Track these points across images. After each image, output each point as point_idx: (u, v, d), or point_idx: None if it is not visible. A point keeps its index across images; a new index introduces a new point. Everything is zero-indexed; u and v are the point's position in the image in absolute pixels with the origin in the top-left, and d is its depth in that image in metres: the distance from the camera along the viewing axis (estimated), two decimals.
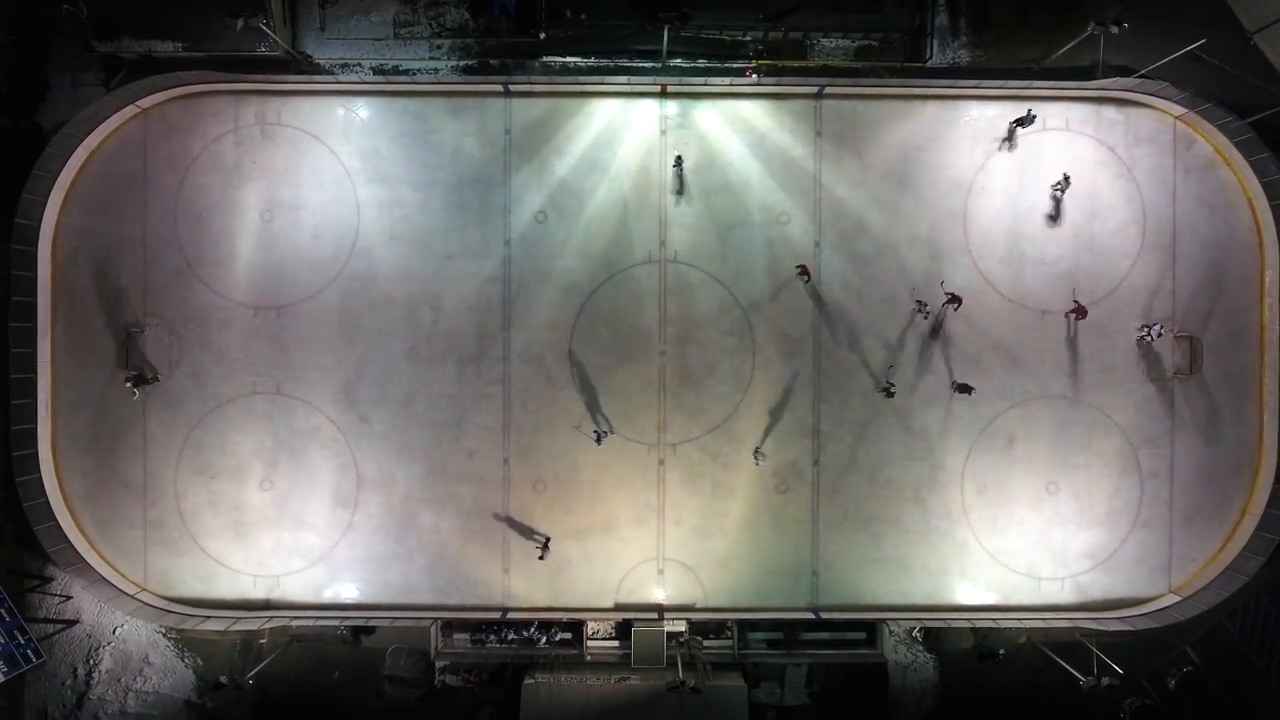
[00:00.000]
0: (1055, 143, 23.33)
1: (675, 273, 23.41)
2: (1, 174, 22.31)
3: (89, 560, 23.13)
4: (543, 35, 23.39)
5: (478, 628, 23.54)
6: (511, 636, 23.44)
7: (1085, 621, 22.92)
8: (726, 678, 22.99)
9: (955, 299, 22.48)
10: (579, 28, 23.52)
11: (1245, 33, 22.86)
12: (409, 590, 23.50)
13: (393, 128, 23.38)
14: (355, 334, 23.29)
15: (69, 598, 23.51)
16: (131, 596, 23.09)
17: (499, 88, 23.25)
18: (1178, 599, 23.19)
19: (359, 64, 23.69)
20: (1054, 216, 23.20)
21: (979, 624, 23.27)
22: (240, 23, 20.94)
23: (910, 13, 23.70)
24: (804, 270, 22.89)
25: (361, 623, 23.07)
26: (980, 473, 23.45)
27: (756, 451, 22.98)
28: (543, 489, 23.47)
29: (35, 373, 22.80)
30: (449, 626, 23.56)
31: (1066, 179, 22.55)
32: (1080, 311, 22.57)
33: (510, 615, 23.31)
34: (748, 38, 23.77)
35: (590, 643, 23.49)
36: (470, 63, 23.80)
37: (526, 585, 23.51)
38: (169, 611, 23.13)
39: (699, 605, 23.54)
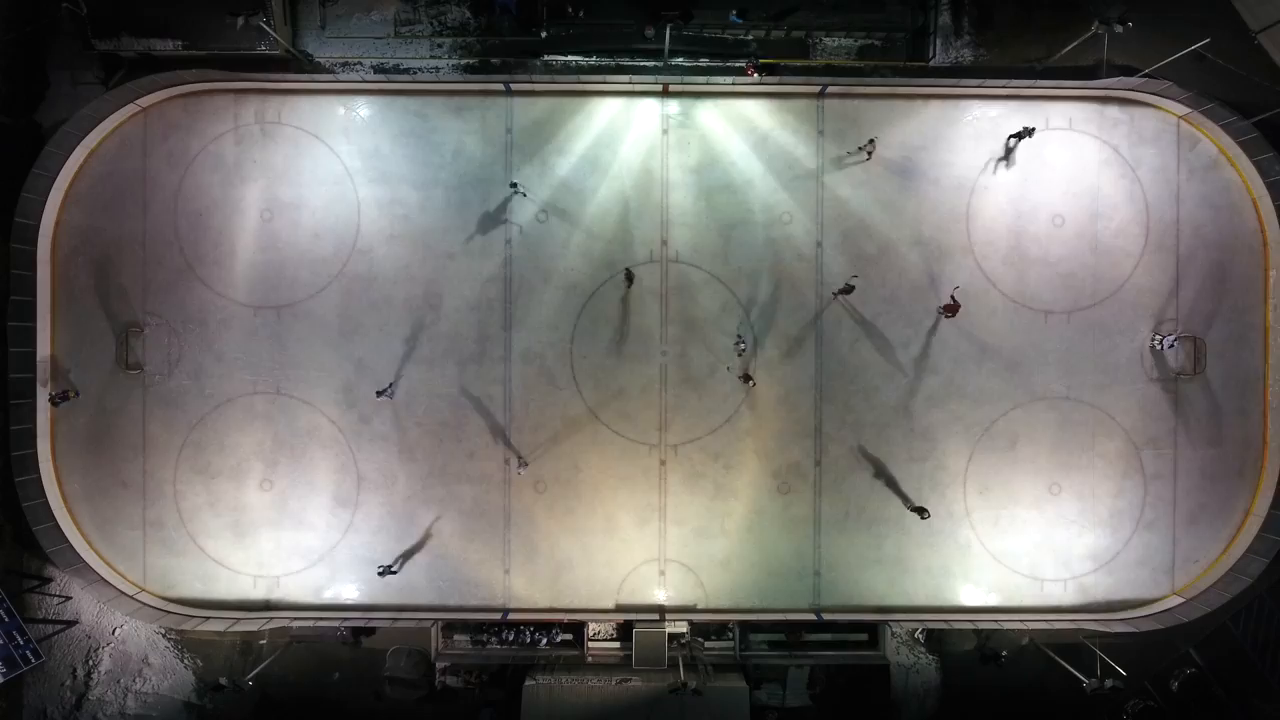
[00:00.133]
0: (1058, 143, 23.24)
1: (677, 272, 23.33)
2: (1, 172, 22.23)
3: (88, 560, 23.07)
4: (544, 34, 23.38)
5: (478, 629, 23.48)
6: (512, 637, 23.36)
7: (1088, 623, 22.85)
8: (728, 679, 22.90)
9: (952, 308, 22.37)
10: (580, 26, 23.48)
11: (1249, 32, 22.80)
12: (409, 591, 23.41)
13: (393, 127, 23.31)
14: (355, 334, 23.21)
15: (68, 598, 23.45)
16: (131, 597, 23.02)
17: (500, 87, 23.17)
18: (1181, 600, 23.11)
19: (360, 62, 23.62)
20: (1006, 161, 23.00)
21: (981, 626, 23.19)
22: (240, 21, 20.92)
23: (913, 11, 23.65)
24: (847, 289, 22.76)
25: (362, 623, 22.99)
26: (983, 474, 23.37)
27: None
28: (544, 489, 23.39)
29: (34, 372, 22.72)
30: (449, 627, 23.51)
31: (1029, 131, 22.32)
32: (952, 309, 22.40)
33: (511, 616, 23.23)
34: (750, 37, 23.71)
35: (591, 644, 23.42)
36: (471, 61, 23.72)
37: (527, 586, 23.43)
38: (168, 612, 23.06)
39: (700, 606, 23.47)
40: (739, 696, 22.61)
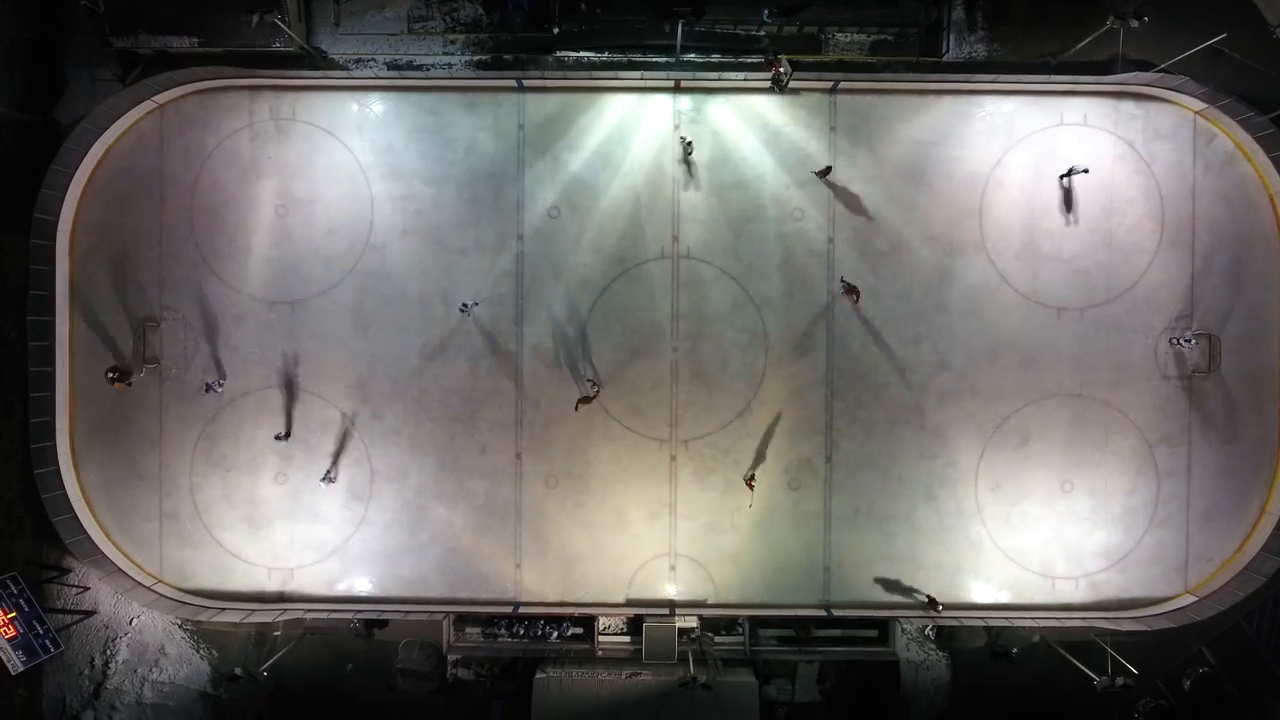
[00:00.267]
0: (1073, 138, 23.10)
1: (688, 268, 23.36)
2: (20, 169, 22.51)
3: (106, 552, 23.38)
4: (556, 30, 23.41)
5: (490, 622, 23.63)
6: (523, 631, 23.51)
7: (1100, 621, 22.76)
8: (738, 674, 22.97)
9: (853, 291, 22.35)
10: (593, 22, 23.50)
11: (1268, 27, 22.54)
12: (421, 584, 23.61)
13: (406, 123, 23.43)
14: (369, 329, 23.38)
15: (86, 589, 23.78)
16: (148, 588, 23.32)
17: (513, 83, 23.24)
18: (1194, 599, 22.98)
19: (373, 59, 23.74)
20: (1068, 206, 22.95)
21: (992, 623, 23.14)
22: (255, 18, 21.11)
23: (926, 7, 23.52)
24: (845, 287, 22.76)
25: (374, 616, 23.18)
26: (994, 470, 23.31)
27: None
28: (554, 484, 23.51)
29: (53, 366, 23.03)
30: (461, 620, 23.66)
31: (1081, 170, 22.28)
32: (852, 291, 22.41)
33: (522, 610, 23.38)
34: (762, 32, 23.66)
35: (602, 638, 23.54)
36: (484, 58, 23.79)
37: (538, 580, 23.57)
38: (185, 603, 23.36)
39: (710, 601, 23.53)
40: (749, 691, 22.68)
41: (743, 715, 22.44)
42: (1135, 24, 20.57)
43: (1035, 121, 23.16)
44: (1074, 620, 22.91)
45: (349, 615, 23.06)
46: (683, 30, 21.86)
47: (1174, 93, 22.79)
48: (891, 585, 23.37)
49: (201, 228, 23.30)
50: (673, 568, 23.57)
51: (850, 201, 23.28)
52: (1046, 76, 22.87)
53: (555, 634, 23.51)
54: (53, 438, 23.01)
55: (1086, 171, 22.23)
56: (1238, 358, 23.07)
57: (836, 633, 23.48)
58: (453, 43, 23.91)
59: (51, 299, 23.03)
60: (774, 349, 23.34)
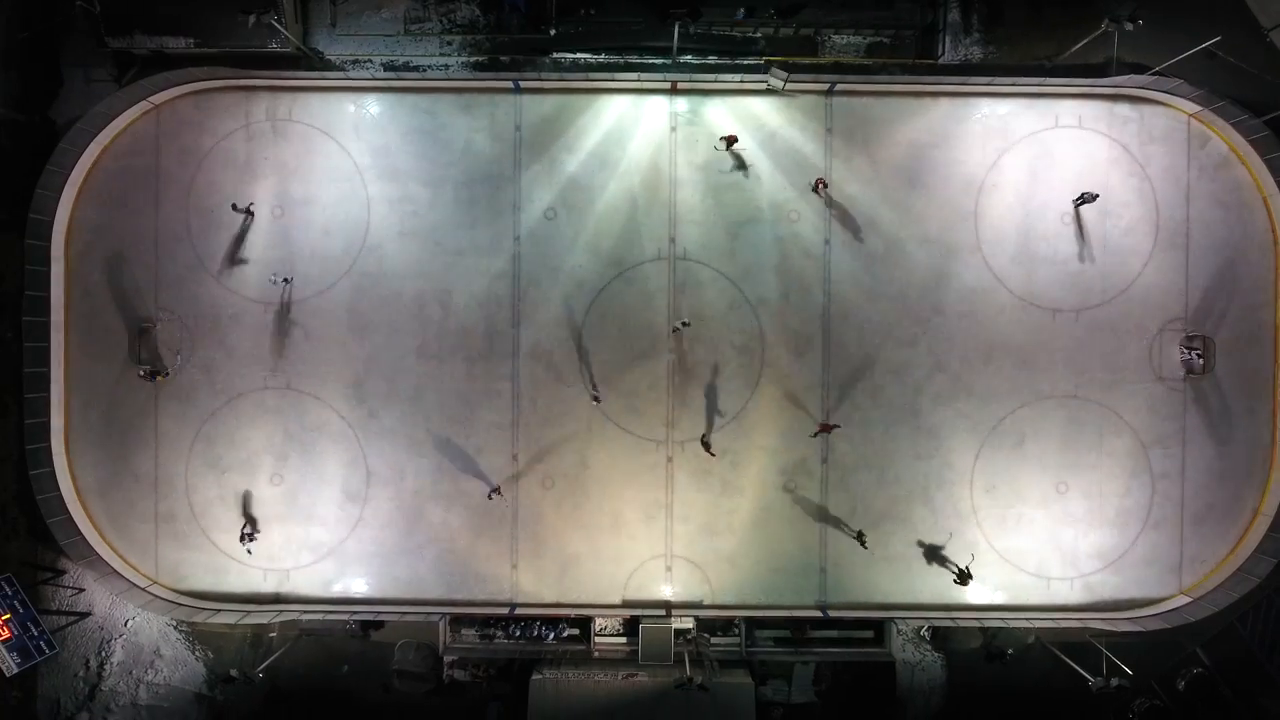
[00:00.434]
0: (1068, 140, 23.18)
1: (684, 270, 23.39)
2: (16, 169, 22.48)
3: (101, 553, 23.32)
4: (553, 31, 23.46)
5: (486, 623, 23.62)
6: (519, 632, 23.51)
7: (1095, 622, 22.83)
8: (734, 675, 22.99)
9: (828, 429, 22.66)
10: (590, 24, 23.53)
11: (1261, 30, 22.65)
12: (417, 585, 23.59)
13: (403, 124, 23.43)
14: (365, 330, 23.36)
15: (81, 590, 23.72)
16: (143, 589, 23.28)
17: (509, 84, 23.25)
18: (1188, 600, 23.06)
19: (369, 60, 23.74)
20: (1080, 234, 23.11)
21: (988, 624, 23.20)
22: (252, 19, 21.06)
23: (922, 9, 23.60)
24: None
25: (370, 617, 23.16)
26: (990, 472, 23.37)
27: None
28: (551, 485, 23.51)
29: (48, 367, 22.98)
30: (457, 621, 23.65)
31: (1092, 196, 22.29)
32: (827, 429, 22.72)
33: (518, 611, 23.38)
34: (758, 34, 23.71)
35: (598, 639, 23.55)
36: (481, 59, 23.81)
37: (534, 581, 23.57)
38: (180, 604, 23.32)
39: (706, 602, 23.56)
40: (745, 692, 22.70)
41: (739, 716, 22.46)
42: (1130, 27, 20.69)
43: (1030, 124, 23.27)
44: (1069, 621, 22.98)
45: (345, 616, 23.04)
46: (679, 32, 21.89)
47: (1168, 96, 22.90)
48: (887, 586, 23.40)
49: (197, 229, 23.27)
50: (669, 569, 23.59)
51: (846, 204, 23.33)
52: (1042, 79, 22.96)
53: (551, 635, 23.52)
54: (48, 439, 22.96)
55: (1097, 198, 22.25)
56: (1232, 359, 23.17)
57: (832, 634, 23.54)
58: (449, 44, 23.92)
59: (47, 300, 22.98)
60: (770, 350, 23.37)
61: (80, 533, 23.16)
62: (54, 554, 23.36)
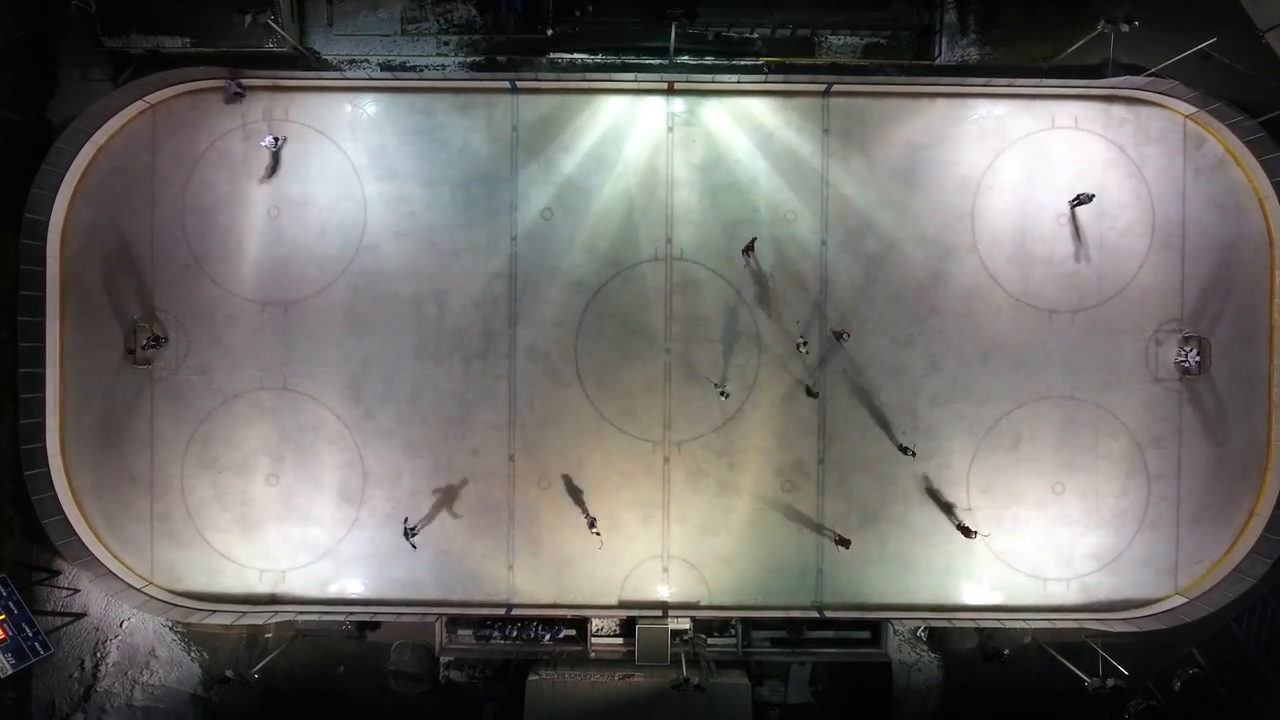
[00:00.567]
0: (1064, 141, 23.21)
1: (681, 270, 23.39)
2: (11, 169, 22.43)
3: (96, 554, 23.26)
4: (550, 32, 23.46)
5: (482, 624, 23.58)
6: (515, 632, 23.48)
7: (1091, 622, 22.85)
8: (730, 676, 23.00)
9: (750, 248, 22.57)
10: (586, 24, 23.53)
11: (1257, 31, 22.70)
12: (414, 585, 23.56)
13: (400, 124, 23.41)
14: (362, 330, 23.33)
15: (76, 591, 23.66)
16: (138, 590, 23.22)
17: (506, 84, 23.24)
18: (1184, 600, 23.09)
19: (366, 60, 23.73)
20: (1076, 234, 23.11)
21: (984, 624, 23.22)
22: (248, 18, 21.08)
23: (919, 10, 23.65)
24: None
25: (366, 618, 23.12)
26: (986, 473, 23.39)
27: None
28: (548, 486, 23.50)
29: (44, 367, 22.90)
30: (454, 622, 23.60)
31: (1089, 197, 22.32)
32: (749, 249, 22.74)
33: (515, 611, 23.35)
34: (755, 35, 23.73)
35: (594, 640, 23.52)
36: (477, 59, 23.81)
37: (531, 581, 23.54)
38: (175, 605, 23.25)
39: (703, 603, 23.55)
40: (741, 693, 22.71)
41: (736, 717, 22.49)
42: (1126, 28, 20.76)
43: (1027, 125, 23.30)
44: (1065, 621, 23.00)
45: (341, 617, 23.00)
46: (676, 32, 21.89)
47: (1164, 97, 22.95)
48: (884, 587, 23.40)
49: (193, 228, 23.22)
50: (665, 569, 23.58)
51: (843, 204, 23.36)
52: (1038, 80, 22.99)
53: (548, 636, 23.48)
54: (43, 439, 22.89)
55: (1093, 199, 22.29)
56: (1227, 360, 23.22)
57: (829, 634, 23.53)
58: (446, 44, 23.92)
59: (42, 300, 22.91)
60: (767, 350, 23.37)
61: (75, 533, 23.09)
62: (49, 554, 23.29)
